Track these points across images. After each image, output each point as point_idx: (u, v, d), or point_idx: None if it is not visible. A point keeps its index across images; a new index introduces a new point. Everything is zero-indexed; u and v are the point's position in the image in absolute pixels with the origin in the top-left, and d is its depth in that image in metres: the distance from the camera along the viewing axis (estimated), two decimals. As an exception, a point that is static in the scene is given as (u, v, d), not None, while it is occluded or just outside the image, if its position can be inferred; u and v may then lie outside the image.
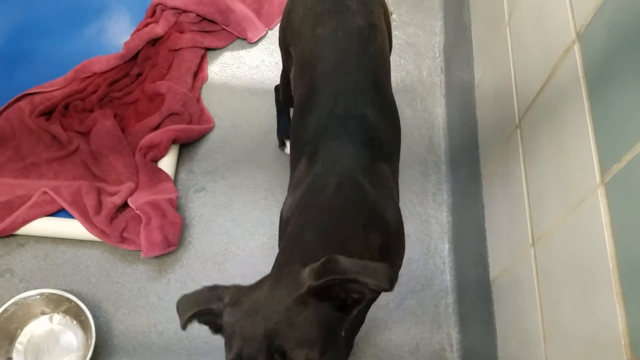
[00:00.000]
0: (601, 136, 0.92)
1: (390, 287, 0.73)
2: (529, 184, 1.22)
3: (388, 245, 1.02)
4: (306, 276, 0.77)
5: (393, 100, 1.26)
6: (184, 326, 0.81)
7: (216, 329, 0.83)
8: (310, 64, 1.21)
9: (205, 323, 0.84)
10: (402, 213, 1.71)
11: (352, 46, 1.19)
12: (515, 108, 1.32)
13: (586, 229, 0.93)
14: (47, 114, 1.81)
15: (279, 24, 1.44)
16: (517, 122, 1.30)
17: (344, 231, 0.97)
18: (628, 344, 0.79)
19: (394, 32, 2.04)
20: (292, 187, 1.14)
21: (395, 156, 1.22)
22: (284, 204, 1.14)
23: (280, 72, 1.58)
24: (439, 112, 1.89)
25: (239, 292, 0.81)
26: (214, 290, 0.82)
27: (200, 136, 1.81)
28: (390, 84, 1.28)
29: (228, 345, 0.77)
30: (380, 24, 1.26)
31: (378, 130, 1.13)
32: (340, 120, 1.12)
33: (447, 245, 1.69)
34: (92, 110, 1.80)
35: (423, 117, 1.88)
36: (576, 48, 1.02)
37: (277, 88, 1.73)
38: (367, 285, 0.74)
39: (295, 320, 0.74)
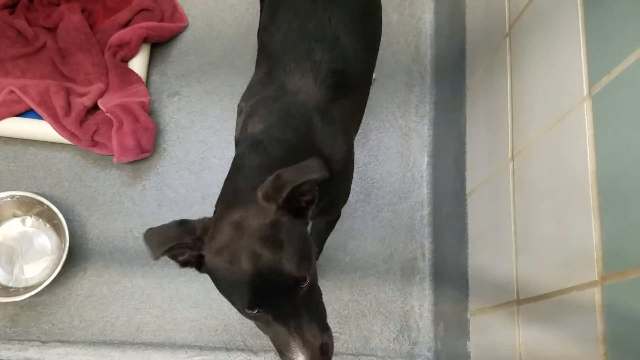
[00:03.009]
0: (592, 46, 0.87)
1: (327, 173, 0.82)
2: (513, 96, 1.18)
3: (330, 183, 1.00)
4: (263, 199, 0.82)
5: (378, 2, 1.18)
6: (157, 258, 0.83)
7: (184, 262, 0.86)
8: None
9: (173, 257, 0.86)
10: (384, 125, 1.70)
11: None
12: (506, 15, 1.25)
13: (568, 142, 0.91)
14: (11, 7, 1.69)
15: None
16: (507, 30, 1.24)
17: (284, 162, 0.94)
18: (600, 258, 0.79)
19: None
20: (245, 95, 1.11)
21: (364, 86, 1.17)
22: (239, 106, 1.12)
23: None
24: (427, 18, 1.80)
25: (209, 227, 0.84)
26: (184, 225, 0.84)
27: (173, 35, 1.72)
28: None
29: (232, 288, 0.82)
30: None
31: (347, 62, 1.06)
32: (310, 41, 1.04)
33: (426, 159, 1.68)
34: (58, 4, 1.69)
35: (410, 23, 1.80)
36: (576, -51, 0.95)
37: None
38: (313, 182, 0.82)
39: (286, 248, 0.80)
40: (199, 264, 0.86)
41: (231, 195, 0.93)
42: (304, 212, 0.86)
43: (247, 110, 1.06)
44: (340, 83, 1.05)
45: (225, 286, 0.84)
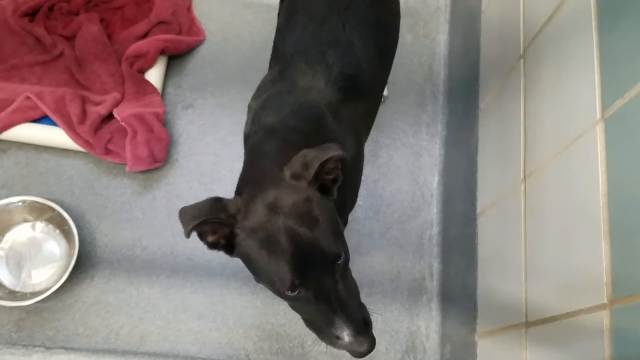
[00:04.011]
0: (606, 71, 0.88)
1: (345, 154, 0.84)
2: (526, 118, 1.18)
3: (343, 167, 1.00)
4: (292, 178, 0.83)
5: (396, 8, 1.19)
6: (188, 234, 0.82)
7: (213, 244, 0.86)
8: None
9: (201, 236, 0.85)
10: (394, 143, 1.70)
11: None
12: (521, 38, 1.26)
13: (580, 165, 0.91)
14: (31, 14, 1.72)
15: None
16: (521, 52, 1.24)
17: (302, 148, 0.94)
18: (610, 281, 0.78)
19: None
20: (256, 93, 1.12)
21: (376, 92, 1.17)
22: (249, 106, 1.13)
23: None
24: (442, 39, 1.81)
25: (241, 206, 0.83)
26: (218, 202, 0.84)
27: (190, 49, 1.74)
28: None
29: (267, 262, 0.81)
30: None
31: (360, 67, 1.07)
32: (322, 45, 1.06)
33: (436, 178, 1.68)
34: (77, 14, 1.72)
35: (424, 43, 1.81)
36: (591, -26, 0.95)
37: None
38: (337, 160, 0.83)
39: (323, 224, 0.81)
40: (229, 246, 0.85)
41: (258, 176, 0.92)
42: (330, 190, 0.87)
43: (259, 105, 1.06)
44: (351, 87, 1.06)
45: (262, 268, 0.83)
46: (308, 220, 0.80)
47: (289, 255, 0.78)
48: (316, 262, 0.80)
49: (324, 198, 0.85)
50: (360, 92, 1.09)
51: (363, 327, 0.83)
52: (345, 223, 1.30)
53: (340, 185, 0.89)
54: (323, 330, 0.83)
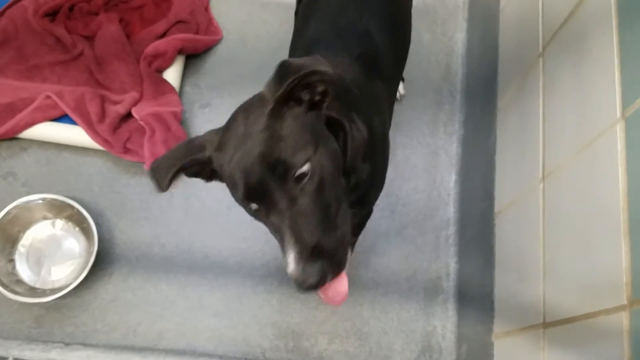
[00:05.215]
0: (627, 69, 0.86)
1: (333, 72, 0.75)
2: (545, 117, 1.17)
3: (371, 145, 0.95)
4: (267, 91, 0.75)
5: (409, 10, 1.20)
6: (167, 185, 0.79)
7: (208, 177, 0.83)
8: None
9: (195, 175, 0.83)
10: (411, 142, 1.69)
11: None
12: (540, 36, 1.24)
13: (600, 165, 0.90)
14: (52, 15, 1.75)
15: None
16: (540, 50, 1.23)
17: None
18: (630, 282, 0.77)
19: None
20: None
21: (394, 81, 1.17)
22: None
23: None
24: (459, 38, 1.80)
25: (217, 136, 0.79)
26: (192, 143, 0.81)
27: (207, 48, 1.75)
28: None
29: (232, 185, 0.77)
30: None
31: (378, 52, 1.07)
32: (340, 33, 1.06)
33: (453, 177, 1.66)
34: (97, 14, 1.74)
35: (442, 42, 1.80)
36: (612, -30, 0.94)
37: None
38: (321, 75, 0.74)
39: (280, 133, 0.74)
40: (210, 174, 0.82)
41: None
42: (318, 104, 0.78)
43: None
44: (372, 66, 1.04)
45: (227, 182, 0.78)
46: (268, 133, 0.73)
47: (242, 168, 0.73)
48: (268, 175, 0.72)
49: (301, 111, 0.77)
50: (381, 74, 1.08)
51: (310, 255, 0.70)
52: (369, 213, 1.25)
53: (369, 162, 0.83)
54: (283, 252, 0.74)
